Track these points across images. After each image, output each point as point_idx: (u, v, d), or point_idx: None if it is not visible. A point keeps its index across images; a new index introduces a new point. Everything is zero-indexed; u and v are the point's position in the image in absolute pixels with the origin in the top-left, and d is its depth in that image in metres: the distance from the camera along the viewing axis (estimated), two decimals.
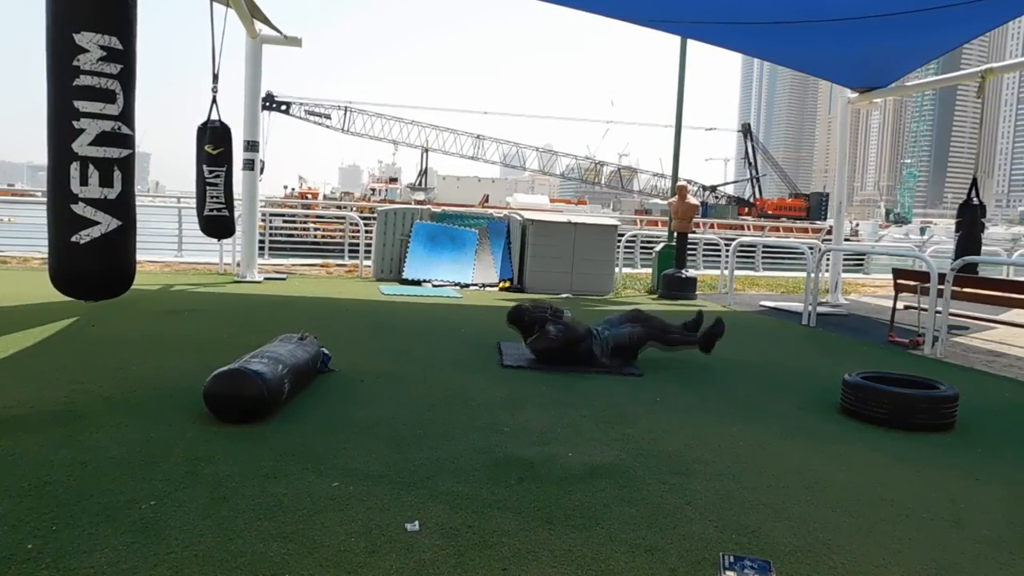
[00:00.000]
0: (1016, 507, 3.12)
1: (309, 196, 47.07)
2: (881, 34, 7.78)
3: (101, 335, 5.56)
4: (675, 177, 12.02)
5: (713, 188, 62.00)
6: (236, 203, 8.68)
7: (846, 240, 16.33)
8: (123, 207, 3.50)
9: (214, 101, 7.98)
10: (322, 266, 12.18)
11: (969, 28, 7.89)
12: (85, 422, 3.48)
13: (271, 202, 22.63)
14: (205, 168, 8.04)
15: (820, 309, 8.72)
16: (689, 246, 11.39)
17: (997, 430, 4.39)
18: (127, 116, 3.49)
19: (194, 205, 8.53)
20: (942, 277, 6.71)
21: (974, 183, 8.30)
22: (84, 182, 3.36)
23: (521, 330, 5.45)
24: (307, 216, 21.06)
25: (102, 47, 3.34)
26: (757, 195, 64.10)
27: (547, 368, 5.19)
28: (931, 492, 3.24)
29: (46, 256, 3.60)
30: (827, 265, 10.58)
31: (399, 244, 10.81)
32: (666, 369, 5.48)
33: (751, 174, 64.59)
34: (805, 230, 35.01)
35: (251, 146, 9.65)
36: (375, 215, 11.48)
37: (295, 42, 9.80)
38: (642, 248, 15.73)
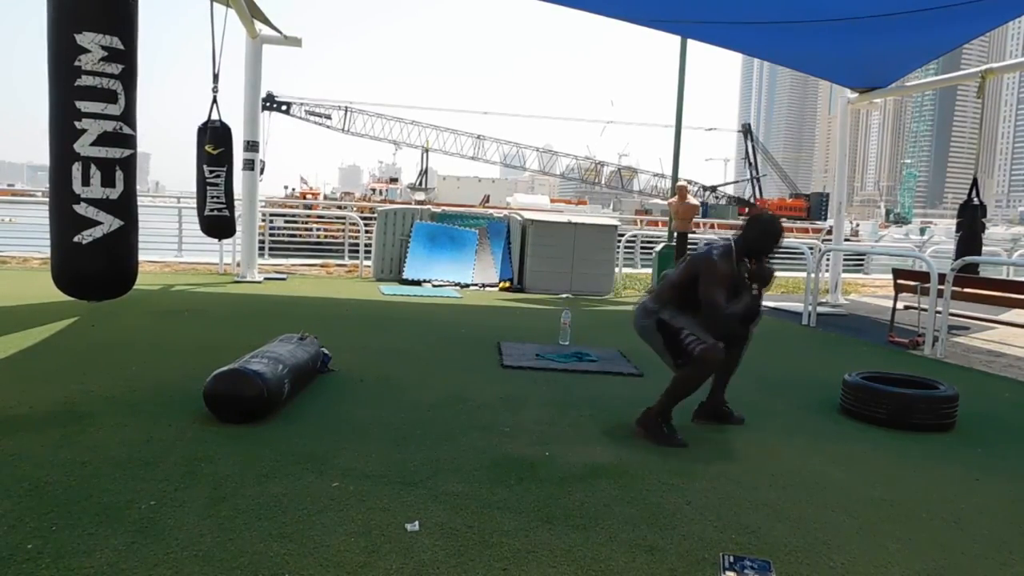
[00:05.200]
0: (1016, 507, 3.12)
1: (310, 196, 47.04)
2: (881, 34, 7.77)
3: (101, 335, 5.56)
4: (675, 177, 12.02)
5: (713, 188, 61.99)
6: (236, 203, 8.68)
7: (846, 240, 16.33)
8: (125, 207, 3.51)
9: (214, 101, 7.98)
10: (322, 266, 12.18)
11: (969, 28, 7.89)
12: (85, 422, 3.48)
13: (271, 202, 22.58)
14: (205, 168, 8.04)
15: (820, 309, 8.72)
16: (689, 246, 11.37)
17: (997, 430, 4.39)
18: (128, 116, 3.50)
19: (194, 205, 8.53)
20: (942, 277, 6.71)
21: (974, 183, 8.30)
22: (86, 182, 3.37)
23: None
24: (308, 216, 21.06)
25: (103, 47, 3.35)
26: (757, 195, 64.04)
27: (547, 368, 5.20)
28: (931, 492, 3.24)
29: (46, 256, 3.60)
30: (827, 265, 10.58)
31: (399, 244, 10.81)
32: (666, 369, 5.46)
33: (751, 174, 64.54)
34: (805, 230, 34.91)
35: (251, 146, 9.65)
36: (375, 215, 11.48)
37: (295, 42, 9.80)
38: (642, 248, 15.72)
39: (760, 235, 3.75)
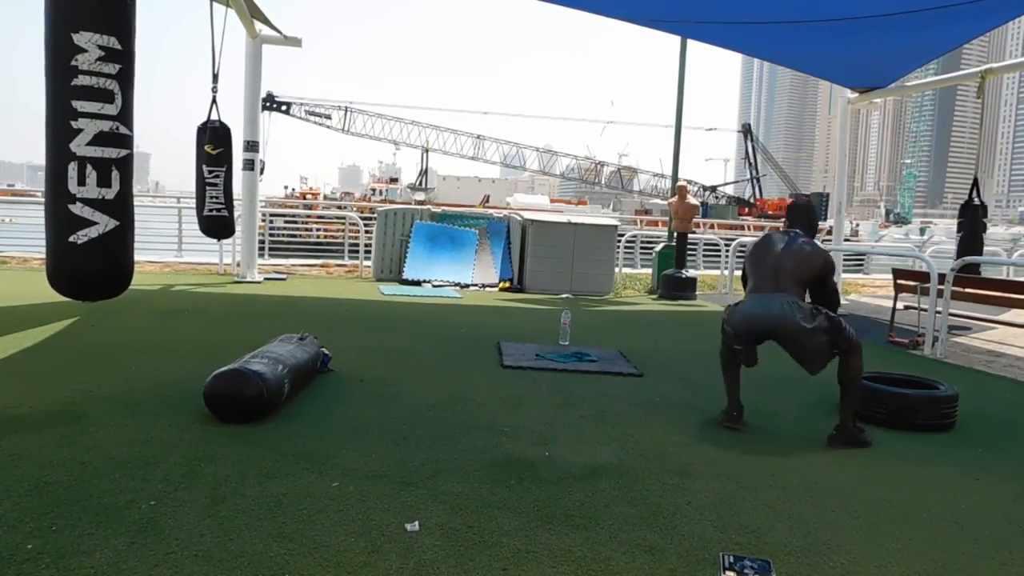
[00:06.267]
0: (1016, 507, 3.12)
1: (310, 196, 47.02)
2: (881, 34, 7.78)
3: (101, 335, 5.56)
4: (675, 177, 12.02)
5: (713, 188, 61.88)
6: (236, 203, 8.68)
7: (846, 240, 16.32)
8: (121, 207, 3.50)
9: (214, 101, 7.97)
10: (322, 266, 12.18)
11: (969, 28, 7.89)
12: (85, 422, 3.48)
13: (271, 202, 22.58)
14: (205, 168, 8.03)
15: None
16: (689, 246, 11.39)
17: (997, 430, 4.38)
18: (125, 116, 3.49)
19: (194, 205, 8.53)
20: (942, 277, 6.71)
21: (975, 183, 8.30)
22: (82, 182, 3.36)
23: None
24: (308, 216, 21.07)
25: (101, 47, 3.34)
26: (757, 195, 63.96)
27: (547, 368, 5.19)
28: (931, 492, 3.24)
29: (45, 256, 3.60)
30: None
31: (399, 244, 10.81)
32: (666, 369, 5.48)
33: (751, 174, 64.44)
34: None
35: (251, 146, 9.65)
36: (375, 215, 11.48)
37: (295, 42, 9.80)
38: (642, 248, 15.73)
39: (814, 221, 4.16)
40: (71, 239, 3.38)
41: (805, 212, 4.16)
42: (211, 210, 8.13)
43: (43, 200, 3.52)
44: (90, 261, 3.45)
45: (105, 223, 3.42)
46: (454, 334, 6.47)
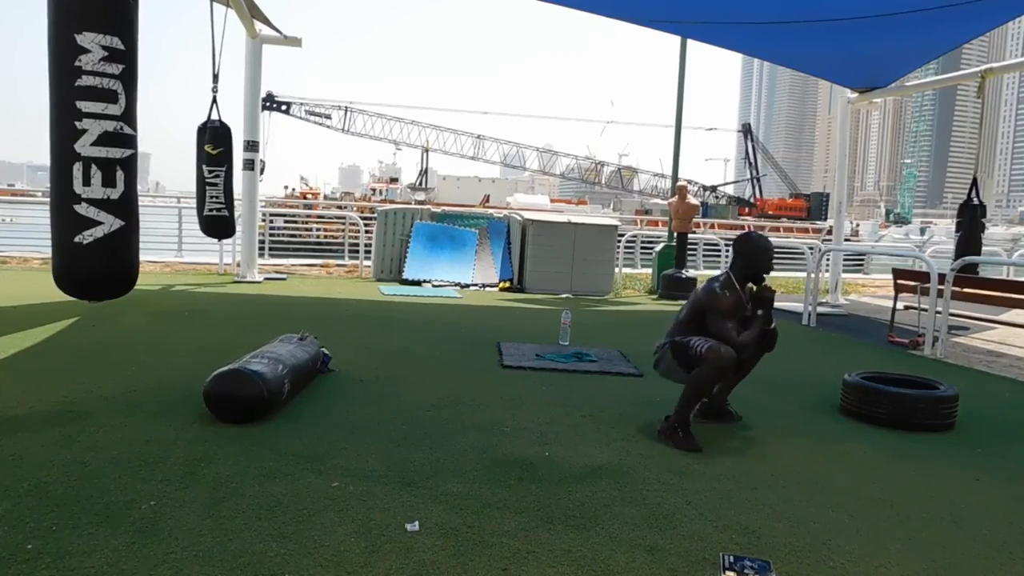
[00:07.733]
0: (1016, 507, 3.12)
1: (310, 196, 47.04)
2: (881, 34, 7.78)
3: (101, 336, 5.56)
4: (675, 177, 12.02)
5: (713, 188, 61.92)
6: (236, 203, 8.68)
7: (846, 240, 16.33)
8: (126, 207, 3.51)
9: (214, 101, 7.98)
10: (322, 266, 12.18)
11: (969, 28, 7.89)
12: (85, 422, 3.48)
13: (271, 202, 22.58)
14: (205, 168, 8.04)
15: (820, 309, 8.71)
16: (689, 246, 11.39)
17: (997, 430, 4.39)
18: (129, 116, 3.50)
19: (194, 205, 8.53)
20: (942, 277, 6.71)
21: (974, 183, 8.30)
22: (87, 182, 3.37)
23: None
24: (308, 216, 21.07)
25: (104, 47, 3.35)
26: (757, 195, 64.01)
27: (547, 368, 5.20)
28: (931, 492, 3.24)
29: (47, 256, 3.61)
30: (827, 265, 10.58)
31: (399, 244, 10.82)
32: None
33: (751, 174, 64.49)
34: (805, 230, 34.96)
35: (251, 146, 9.65)
36: (375, 215, 11.48)
37: (295, 42, 9.80)
38: (642, 248, 15.72)
39: (753, 252, 3.77)
40: (76, 239, 3.40)
41: (740, 248, 3.80)
42: (211, 210, 8.14)
43: (45, 200, 3.53)
44: (96, 261, 3.46)
45: (110, 223, 3.43)
46: (454, 334, 6.48)
